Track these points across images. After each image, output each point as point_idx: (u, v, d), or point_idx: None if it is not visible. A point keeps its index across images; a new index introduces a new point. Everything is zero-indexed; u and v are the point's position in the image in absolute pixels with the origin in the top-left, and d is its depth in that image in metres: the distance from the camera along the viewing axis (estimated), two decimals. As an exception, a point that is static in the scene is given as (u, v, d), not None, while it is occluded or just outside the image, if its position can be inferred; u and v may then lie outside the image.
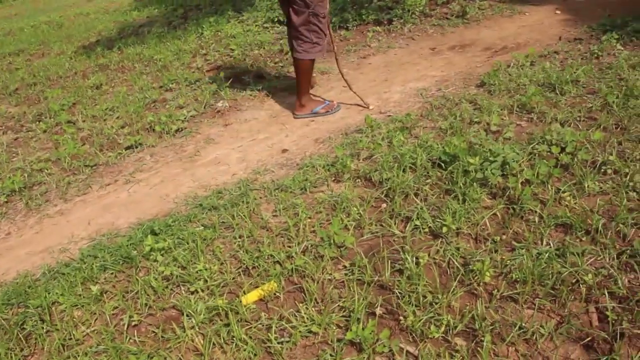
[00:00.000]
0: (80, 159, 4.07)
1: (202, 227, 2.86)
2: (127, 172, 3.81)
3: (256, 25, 6.94)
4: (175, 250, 2.67)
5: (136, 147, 4.15)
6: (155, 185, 3.56)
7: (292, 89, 4.77)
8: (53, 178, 3.86)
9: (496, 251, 2.32)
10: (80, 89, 5.78)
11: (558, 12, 5.79)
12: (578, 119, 3.29)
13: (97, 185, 3.71)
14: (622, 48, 4.28)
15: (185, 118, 4.48)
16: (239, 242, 2.68)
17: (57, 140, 4.49)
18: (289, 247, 2.57)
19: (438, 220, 2.53)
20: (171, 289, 2.47)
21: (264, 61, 5.56)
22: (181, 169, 3.72)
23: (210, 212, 3.02)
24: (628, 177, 2.63)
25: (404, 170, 2.96)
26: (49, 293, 2.54)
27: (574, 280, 2.13)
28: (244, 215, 2.88)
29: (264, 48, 5.99)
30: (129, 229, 3.04)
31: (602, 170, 2.74)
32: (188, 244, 2.71)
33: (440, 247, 2.39)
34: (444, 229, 2.45)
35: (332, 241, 2.50)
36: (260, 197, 3.08)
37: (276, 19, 6.84)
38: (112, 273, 2.65)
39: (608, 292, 2.05)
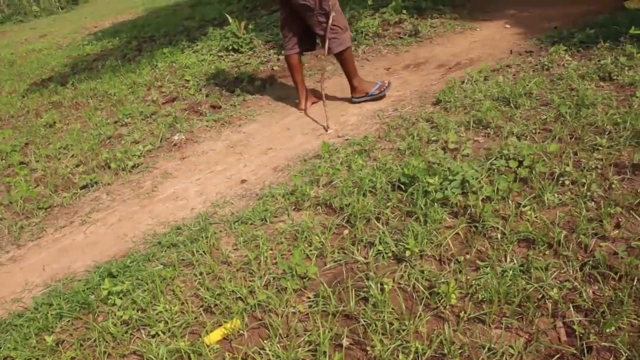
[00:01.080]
0: (33, 202, 3.94)
1: (162, 266, 2.77)
2: (83, 213, 3.70)
3: (210, 55, 6.90)
4: (134, 293, 2.57)
5: (92, 186, 4.04)
6: (113, 225, 3.46)
7: (248, 118, 4.74)
8: (5, 223, 3.73)
9: (461, 272, 2.30)
10: (33, 128, 5.64)
11: (507, 26, 5.90)
12: (533, 131, 3.31)
13: (52, 228, 3.59)
14: (571, 59, 4.36)
15: (141, 153, 4.39)
16: (199, 279, 2.61)
17: (9, 183, 4.35)
18: (251, 281, 2.50)
19: (401, 243, 2.49)
20: (131, 334, 2.37)
21: (220, 90, 5.51)
22: (139, 206, 3.62)
23: (169, 249, 2.94)
24: (585, 187, 2.65)
25: (364, 195, 2.93)
26: (0, 348, 2.42)
27: (539, 296, 2.11)
28: (204, 251, 2.80)
29: (219, 77, 5.94)
30: (86, 272, 2.94)
31: (560, 182, 2.76)
32: (147, 284, 2.62)
33: (405, 272, 2.35)
34: (407, 253, 2.41)
35: (294, 272, 2.44)
36: (220, 231, 3.01)
37: (230, 47, 6.81)
38: (68, 321, 2.54)
39: (574, 306, 2.04)
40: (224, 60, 6.62)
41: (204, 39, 7.76)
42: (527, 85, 3.91)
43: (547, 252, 2.33)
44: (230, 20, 7.18)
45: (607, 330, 1.91)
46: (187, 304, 2.45)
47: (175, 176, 3.95)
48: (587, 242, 2.33)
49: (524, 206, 2.61)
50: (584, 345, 1.88)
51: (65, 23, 16.72)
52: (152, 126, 4.92)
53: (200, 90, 5.64)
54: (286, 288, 2.39)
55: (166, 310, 2.42)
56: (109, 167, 4.27)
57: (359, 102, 4.49)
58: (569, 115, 3.37)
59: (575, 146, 3.04)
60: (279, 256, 2.62)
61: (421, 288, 2.24)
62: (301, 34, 4.40)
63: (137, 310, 2.47)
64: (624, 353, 1.81)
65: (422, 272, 2.33)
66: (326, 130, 4.10)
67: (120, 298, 2.57)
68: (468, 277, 2.26)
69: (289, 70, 4.60)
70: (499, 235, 2.46)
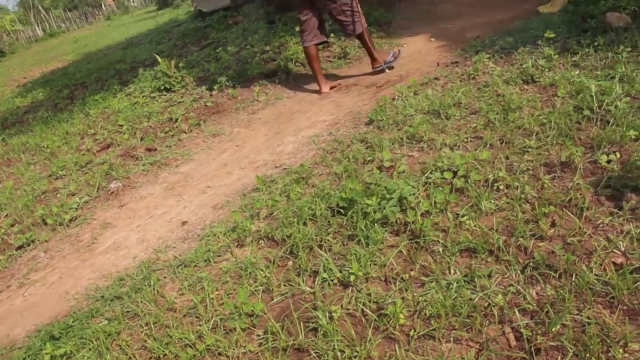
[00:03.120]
0: (-34, 270, 3.76)
1: (106, 322, 2.68)
2: (21, 275, 3.56)
3: (143, 96, 6.81)
4: (78, 354, 2.47)
5: (28, 245, 3.90)
6: (53, 284, 3.34)
7: (185, 158, 4.68)
8: (-63, 296, 3.54)
9: (407, 290, 2.30)
10: (-37, 192, 5.41)
11: (432, 39, 6.04)
12: (465, 140, 3.37)
13: (-12, 295, 3.43)
14: (495, 65, 4.49)
15: (78, 205, 4.27)
16: (146, 330, 2.53)
17: (-61, 253, 4.15)
18: (199, 325, 2.44)
19: (345, 269, 2.48)
20: (78, 398, 2.27)
21: (154, 132, 5.44)
22: (79, 260, 3.51)
23: (113, 303, 2.84)
24: (519, 190, 2.70)
25: (304, 224, 2.91)
26: None
27: (486, 304, 2.13)
28: (148, 301, 2.72)
29: (152, 119, 5.86)
30: (26, 338, 2.81)
31: (495, 187, 2.80)
32: (92, 343, 2.52)
33: (351, 297, 2.34)
34: (352, 277, 2.40)
35: (241, 311, 2.39)
36: (164, 277, 2.93)
37: (162, 87, 6.74)
38: (9, 394, 2.42)
39: (519, 309, 2.06)
40: (156, 100, 6.54)
41: (135, 81, 7.66)
42: (456, 95, 4.00)
43: (489, 260, 2.35)
44: (160, 60, 7.11)
45: (553, 330, 1.93)
46: (135, 357, 2.37)
47: (115, 225, 3.85)
48: (526, 244, 2.37)
49: (462, 216, 2.64)
50: (533, 348, 1.90)
51: (-9, 78, 16.29)
52: (88, 176, 4.79)
53: (135, 134, 5.55)
54: (234, 328, 2.34)
55: (113, 368, 2.33)
56: (46, 224, 4.13)
57: (379, 70, 5.42)
58: (498, 120, 3.45)
59: (506, 150, 3.11)
60: (225, 296, 2.57)
61: (369, 312, 2.22)
62: (317, 28, 5.16)
63: (83, 372, 2.37)
64: (570, 349, 1.84)
65: (369, 294, 2.32)
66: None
67: (64, 361, 2.47)
68: (414, 294, 2.26)
69: (308, 60, 5.29)
70: (440, 249, 2.48)
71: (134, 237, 3.57)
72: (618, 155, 2.79)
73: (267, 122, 4.96)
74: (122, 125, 5.93)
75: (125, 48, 12.07)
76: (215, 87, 6.29)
